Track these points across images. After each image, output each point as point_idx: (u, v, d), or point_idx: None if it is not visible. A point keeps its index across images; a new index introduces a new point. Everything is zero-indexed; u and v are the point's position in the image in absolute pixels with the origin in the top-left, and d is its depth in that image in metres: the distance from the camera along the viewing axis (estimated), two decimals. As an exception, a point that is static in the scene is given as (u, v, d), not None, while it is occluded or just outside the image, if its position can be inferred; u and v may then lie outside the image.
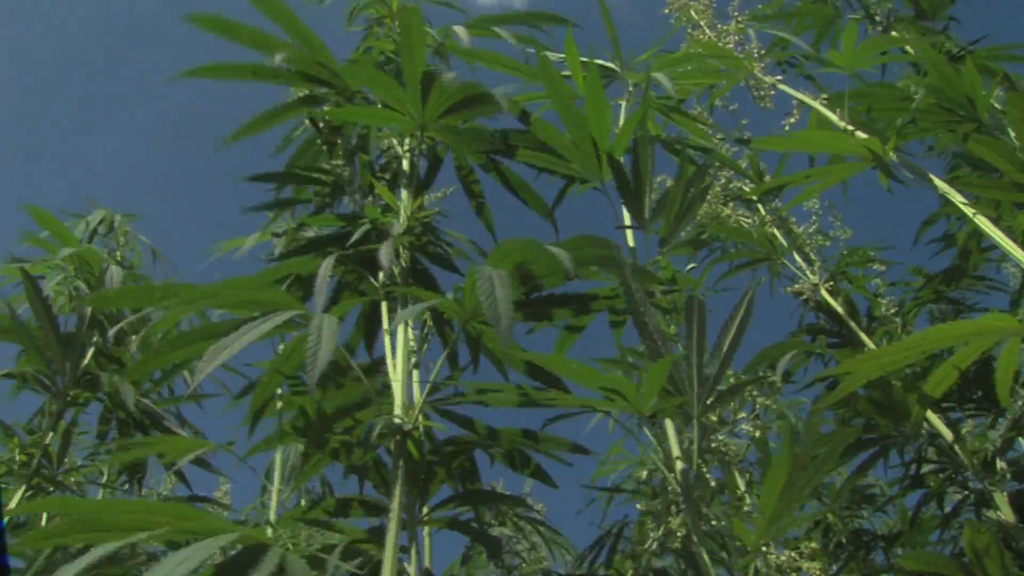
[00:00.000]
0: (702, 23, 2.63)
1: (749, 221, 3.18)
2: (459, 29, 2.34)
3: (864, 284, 3.27)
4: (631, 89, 2.43)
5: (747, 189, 3.21)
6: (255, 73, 2.04)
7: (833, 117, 2.26)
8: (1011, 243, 1.93)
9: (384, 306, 2.06)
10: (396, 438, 1.80)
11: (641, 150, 2.07)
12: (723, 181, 3.19)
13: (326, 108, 2.16)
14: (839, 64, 2.21)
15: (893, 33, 2.86)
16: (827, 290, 3.10)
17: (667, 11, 2.74)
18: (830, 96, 2.39)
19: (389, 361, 1.94)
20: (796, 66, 2.58)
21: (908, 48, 2.72)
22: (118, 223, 3.02)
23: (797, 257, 3.17)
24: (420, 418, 1.83)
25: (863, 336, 3.00)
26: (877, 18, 2.90)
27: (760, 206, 3.22)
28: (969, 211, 2.01)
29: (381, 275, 2.07)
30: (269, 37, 2.06)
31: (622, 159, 2.08)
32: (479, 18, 2.41)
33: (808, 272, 3.14)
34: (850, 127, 2.21)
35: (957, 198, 2.04)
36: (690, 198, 2.07)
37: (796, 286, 3.14)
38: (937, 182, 2.09)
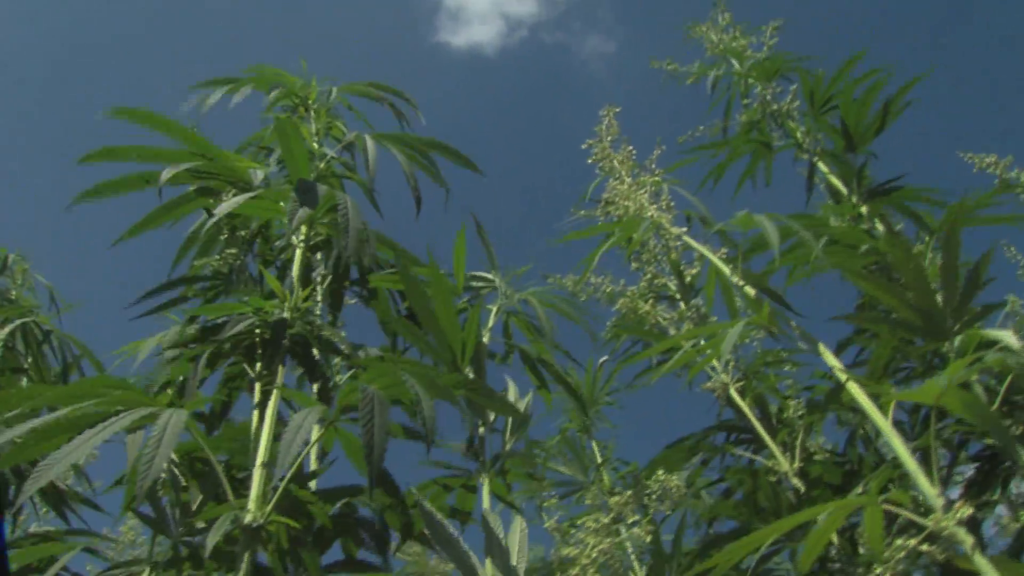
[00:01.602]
0: (623, 172, 2.49)
1: (669, 317, 3.01)
2: (370, 140, 2.24)
3: (776, 385, 3.09)
4: (504, 300, 2.40)
5: (672, 286, 3.04)
6: (149, 181, 1.94)
7: (726, 271, 2.12)
8: (878, 414, 1.76)
9: (258, 387, 1.94)
10: (243, 535, 1.66)
11: (478, 363, 2.04)
12: (648, 276, 3.03)
13: (216, 200, 2.04)
14: (740, 227, 2.07)
15: (817, 160, 2.70)
16: (737, 389, 2.93)
17: (590, 161, 2.61)
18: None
19: (252, 449, 1.81)
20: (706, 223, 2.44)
21: (831, 178, 2.59)
22: (12, 261, 2.83)
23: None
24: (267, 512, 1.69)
25: (767, 438, 2.82)
26: (804, 146, 2.73)
27: (682, 303, 3.05)
28: (843, 376, 1.84)
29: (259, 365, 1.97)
30: (158, 149, 1.98)
31: (469, 367, 2.02)
32: (381, 134, 2.30)
33: (721, 371, 2.96)
34: (742, 282, 2.07)
35: (833, 362, 1.88)
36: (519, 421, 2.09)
37: (709, 383, 2.97)
38: (820, 347, 1.93)
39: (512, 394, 2.32)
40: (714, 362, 2.96)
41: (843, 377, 1.83)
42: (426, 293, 2.08)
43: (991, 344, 1.63)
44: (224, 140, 2.25)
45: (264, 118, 2.42)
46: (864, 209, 2.53)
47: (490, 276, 2.57)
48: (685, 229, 2.31)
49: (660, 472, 2.03)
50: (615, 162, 2.61)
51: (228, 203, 1.92)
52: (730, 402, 2.99)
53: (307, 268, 2.22)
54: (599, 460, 3.40)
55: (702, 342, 2.21)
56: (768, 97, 2.84)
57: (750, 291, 2.08)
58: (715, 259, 2.17)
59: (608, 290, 3.17)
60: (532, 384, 2.57)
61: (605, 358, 3.45)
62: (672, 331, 2.98)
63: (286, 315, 1.97)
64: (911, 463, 1.62)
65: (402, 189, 2.21)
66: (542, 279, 3.28)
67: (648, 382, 2.88)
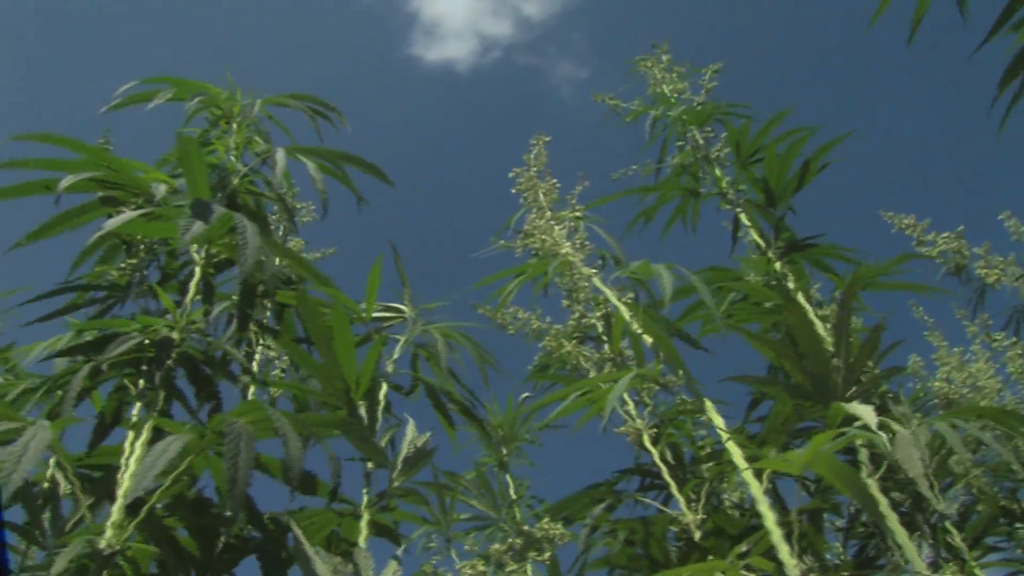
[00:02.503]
0: (545, 205, 2.49)
1: (591, 358, 3.03)
2: (280, 153, 2.25)
3: (692, 434, 3.10)
4: (412, 332, 2.42)
5: (600, 327, 3.06)
6: (49, 187, 1.95)
7: (626, 315, 2.13)
8: (752, 478, 1.78)
9: (137, 406, 1.95)
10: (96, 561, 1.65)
11: (372, 397, 2.00)
12: (577, 315, 3.05)
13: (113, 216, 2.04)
14: (640, 275, 2.09)
15: (739, 211, 2.74)
16: (651, 436, 2.94)
17: (514, 191, 2.61)
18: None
19: (121, 472, 1.80)
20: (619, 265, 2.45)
21: (754, 236, 2.62)
22: None
23: (628, 399, 3.00)
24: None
25: (673, 487, 2.84)
26: (728, 195, 2.77)
27: (607, 345, 3.06)
28: (724, 435, 1.86)
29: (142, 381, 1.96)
30: (63, 160, 2.01)
31: (362, 399, 2.02)
32: (294, 147, 2.33)
33: (636, 416, 2.97)
34: (641, 329, 2.09)
35: (717, 421, 1.90)
36: (415, 456, 2.01)
37: (624, 428, 2.98)
38: (707, 405, 1.95)
39: (410, 432, 2.32)
40: (630, 406, 2.99)
41: (724, 437, 1.85)
42: (324, 318, 2.08)
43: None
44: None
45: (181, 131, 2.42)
46: (778, 264, 2.56)
47: (402, 307, 2.57)
48: (595, 270, 2.33)
49: (545, 521, 2.04)
50: (539, 194, 2.61)
51: (116, 219, 1.92)
52: (644, 447, 3.00)
53: (208, 285, 2.22)
54: (513, 496, 3.41)
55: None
56: (701, 142, 2.87)
57: (648, 339, 2.10)
58: (619, 304, 2.19)
59: (535, 326, 3.19)
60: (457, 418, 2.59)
61: (527, 395, 3.46)
62: (592, 373, 2.99)
63: (174, 335, 1.97)
64: (775, 531, 1.64)
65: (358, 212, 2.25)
66: (472, 309, 3.30)
67: (548, 422, 2.90)
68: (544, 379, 3.06)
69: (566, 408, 2.11)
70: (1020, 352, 3.10)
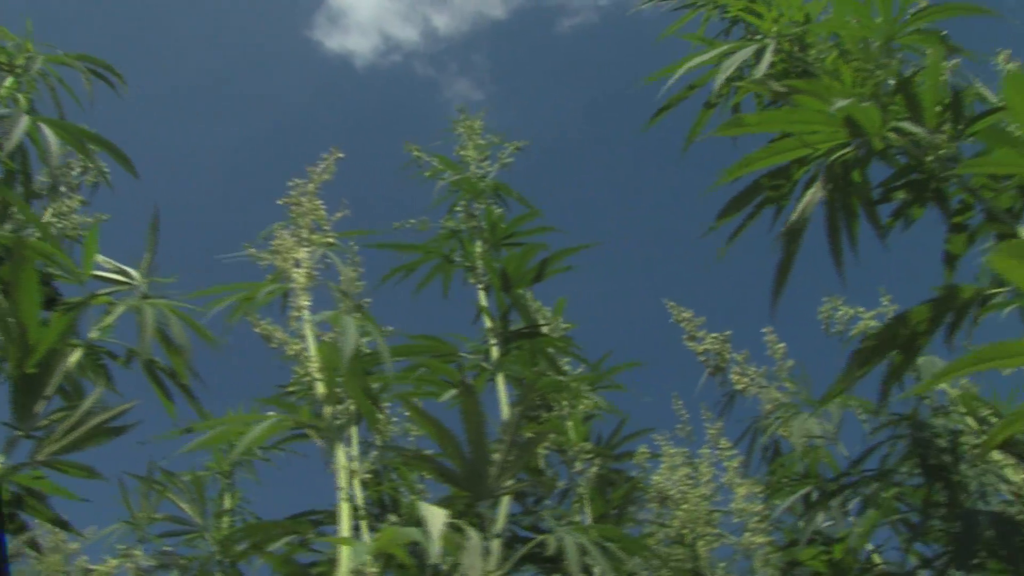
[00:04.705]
0: (303, 224, 2.52)
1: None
2: (22, 119, 2.28)
3: (412, 484, 3.17)
4: (134, 301, 2.40)
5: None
6: None
7: (312, 355, 2.22)
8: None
9: None
10: None
11: (48, 363, 1.99)
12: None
13: None
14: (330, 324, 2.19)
15: (482, 288, 2.86)
16: (367, 480, 2.99)
17: (281, 202, 2.61)
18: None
19: None
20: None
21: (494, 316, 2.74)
22: None
23: (355, 440, 3.05)
24: None
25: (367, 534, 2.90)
26: (477, 271, 2.88)
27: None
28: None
29: None
30: None
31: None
32: (42, 117, 2.39)
33: (357, 457, 3.03)
34: (318, 375, 2.19)
35: (344, 483, 1.99)
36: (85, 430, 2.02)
37: (338, 466, 3.03)
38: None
39: (90, 400, 2.24)
40: (354, 448, 3.03)
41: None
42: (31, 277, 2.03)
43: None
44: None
45: None
46: (494, 348, 2.67)
47: (132, 272, 2.53)
48: (308, 304, 2.36)
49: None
50: (304, 209, 2.61)
51: None
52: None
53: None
54: (227, 507, 3.41)
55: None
56: (476, 213, 2.98)
57: (322, 388, 2.18)
58: (312, 342, 2.24)
59: (290, 349, 3.21)
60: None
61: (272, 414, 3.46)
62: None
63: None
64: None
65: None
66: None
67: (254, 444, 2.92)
68: (269, 404, 3.08)
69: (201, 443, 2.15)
70: (738, 465, 3.22)
